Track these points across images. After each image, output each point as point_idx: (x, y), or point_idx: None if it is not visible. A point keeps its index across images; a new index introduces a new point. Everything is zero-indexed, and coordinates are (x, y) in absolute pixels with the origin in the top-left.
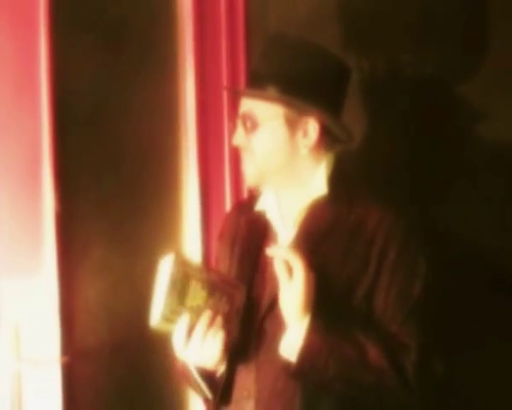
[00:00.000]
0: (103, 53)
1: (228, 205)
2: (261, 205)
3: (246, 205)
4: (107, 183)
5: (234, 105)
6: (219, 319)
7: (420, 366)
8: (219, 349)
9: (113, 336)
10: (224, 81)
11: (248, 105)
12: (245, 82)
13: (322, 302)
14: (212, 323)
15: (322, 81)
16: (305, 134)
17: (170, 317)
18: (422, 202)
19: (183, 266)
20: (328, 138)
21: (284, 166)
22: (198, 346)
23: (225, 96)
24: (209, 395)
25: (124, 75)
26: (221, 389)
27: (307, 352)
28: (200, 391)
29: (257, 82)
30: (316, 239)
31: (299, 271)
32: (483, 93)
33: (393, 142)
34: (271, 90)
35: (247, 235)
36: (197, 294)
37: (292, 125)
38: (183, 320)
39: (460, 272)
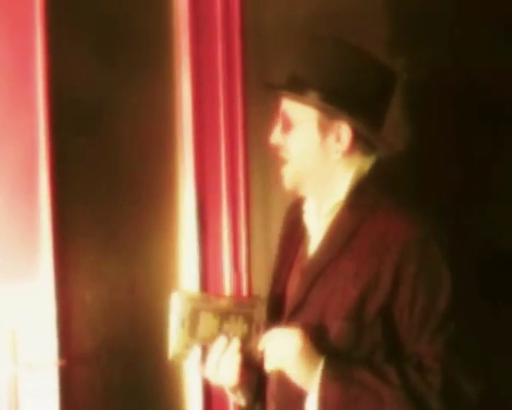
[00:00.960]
0: (99, 56)
1: (224, 208)
2: (306, 206)
3: (298, 204)
4: (103, 187)
5: (230, 107)
6: (236, 343)
7: (448, 390)
8: (235, 373)
9: (109, 339)
10: (220, 83)
11: (285, 105)
12: (285, 80)
13: (326, 330)
14: (226, 349)
15: (361, 87)
16: (338, 139)
17: (182, 352)
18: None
19: (189, 302)
20: (362, 144)
21: (317, 169)
22: (213, 372)
23: (222, 98)
24: (243, 402)
25: (120, 78)
26: (251, 400)
27: None
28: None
29: (297, 84)
30: (334, 252)
31: (285, 361)
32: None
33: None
34: (311, 96)
35: (288, 235)
36: (209, 324)
37: (324, 129)
38: (195, 352)
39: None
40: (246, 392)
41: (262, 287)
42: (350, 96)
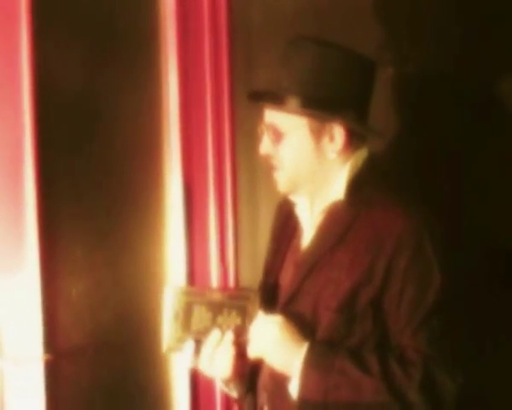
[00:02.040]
0: (86, 54)
1: (211, 202)
2: (297, 200)
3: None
4: (90, 183)
5: (217, 103)
6: (230, 336)
7: (428, 384)
8: (229, 365)
9: (96, 334)
10: (208, 79)
11: (271, 116)
12: (264, 89)
13: (318, 320)
14: (219, 341)
15: (345, 85)
16: (332, 139)
17: (176, 345)
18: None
19: (182, 296)
20: (355, 138)
21: (313, 172)
22: (207, 365)
23: (209, 95)
24: (235, 394)
25: (107, 75)
26: (243, 392)
27: (304, 400)
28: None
29: (278, 94)
30: (329, 244)
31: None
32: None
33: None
34: (292, 103)
35: (281, 228)
36: (202, 317)
37: (317, 132)
38: (189, 346)
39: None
40: (238, 384)
41: (249, 280)
42: (335, 97)
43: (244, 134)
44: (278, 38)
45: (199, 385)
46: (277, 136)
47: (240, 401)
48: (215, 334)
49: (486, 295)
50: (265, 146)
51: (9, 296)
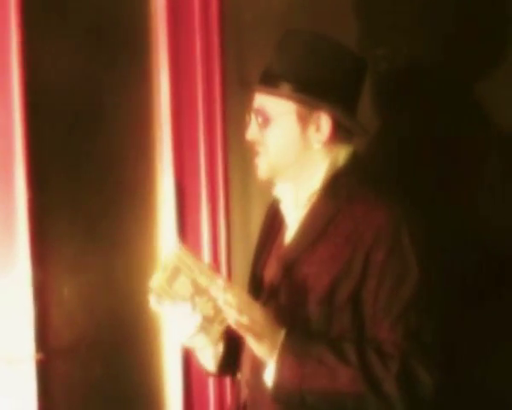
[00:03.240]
0: (76, 50)
1: (203, 199)
2: (277, 192)
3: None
4: (81, 179)
5: (209, 100)
6: (198, 319)
7: (405, 377)
8: (188, 336)
9: (88, 333)
10: (199, 76)
11: (260, 101)
12: (258, 77)
13: (298, 314)
14: (186, 315)
15: (335, 76)
16: (318, 129)
17: (157, 292)
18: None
19: (177, 259)
20: (342, 132)
21: (296, 160)
22: (169, 321)
23: (200, 92)
24: (209, 367)
25: (97, 75)
26: (216, 367)
27: (279, 386)
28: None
29: (270, 79)
30: (310, 239)
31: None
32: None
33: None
34: (284, 88)
35: (268, 225)
36: (184, 287)
37: (304, 120)
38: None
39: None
40: (205, 357)
41: (241, 278)
42: (326, 86)
43: (236, 132)
44: (270, 34)
45: (192, 383)
46: (265, 120)
47: (211, 375)
48: (186, 307)
49: (478, 291)
50: (252, 131)
51: (1, 296)
